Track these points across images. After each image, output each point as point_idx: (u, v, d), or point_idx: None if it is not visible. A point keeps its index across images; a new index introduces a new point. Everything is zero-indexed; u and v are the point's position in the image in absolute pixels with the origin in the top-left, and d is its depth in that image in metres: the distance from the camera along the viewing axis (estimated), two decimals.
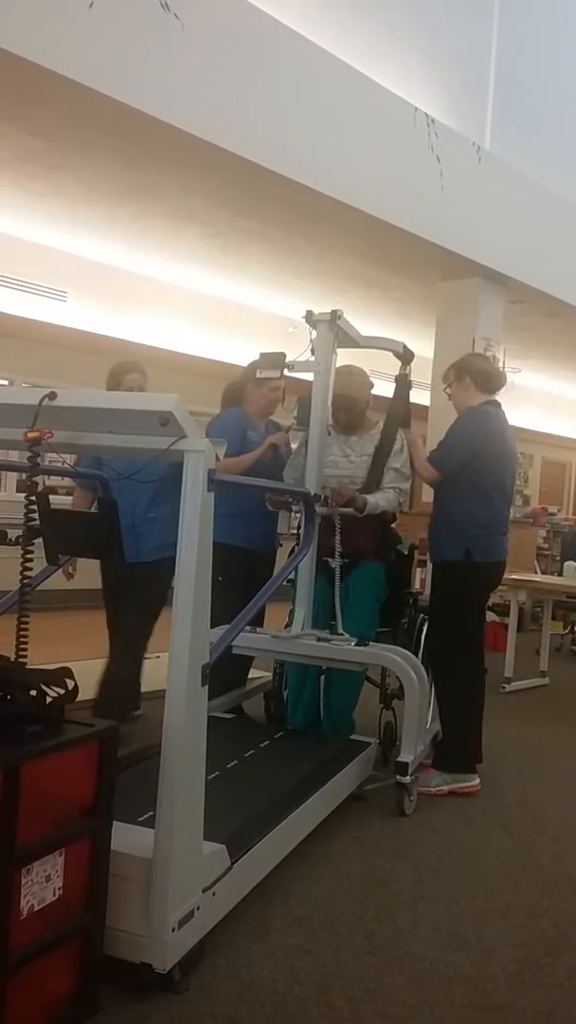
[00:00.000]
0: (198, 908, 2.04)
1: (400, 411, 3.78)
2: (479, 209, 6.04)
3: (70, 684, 1.90)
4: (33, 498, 2.07)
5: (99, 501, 2.48)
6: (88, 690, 3.75)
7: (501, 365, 5.24)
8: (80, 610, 7.08)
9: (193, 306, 8.11)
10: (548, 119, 6.88)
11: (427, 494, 4.05)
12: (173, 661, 1.98)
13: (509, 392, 3.87)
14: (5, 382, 7.82)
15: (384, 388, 3.94)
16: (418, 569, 4.02)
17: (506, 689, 5.60)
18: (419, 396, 3.97)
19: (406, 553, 3.88)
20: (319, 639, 3.35)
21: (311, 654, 3.35)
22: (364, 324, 3.95)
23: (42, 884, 1.74)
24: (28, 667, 1.92)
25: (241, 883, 2.30)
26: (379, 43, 5.38)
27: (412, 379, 3.87)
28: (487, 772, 3.66)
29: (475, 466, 3.50)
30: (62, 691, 1.89)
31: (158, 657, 5.13)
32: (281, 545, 4.04)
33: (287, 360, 3.45)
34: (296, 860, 2.67)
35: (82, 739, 1.85)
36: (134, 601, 3.77)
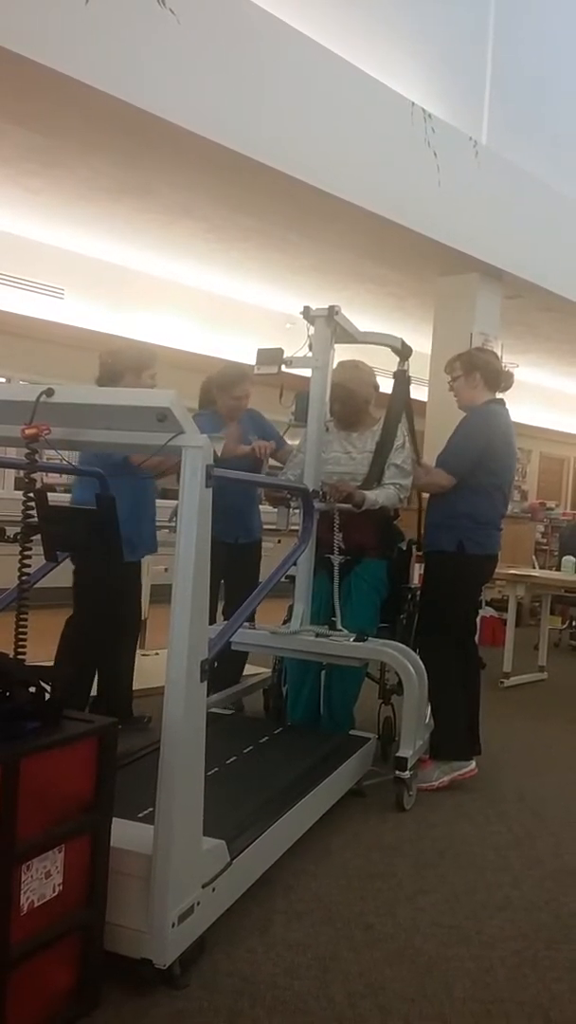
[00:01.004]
0: (198, 904, 2.04)
1: (399, 407, 3.77)
2: (476, 204, 6.04)
3: None
4: (31, 495, 2.07)
5: (97, 497, 2.47)
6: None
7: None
8: None
9: (190, 302, 8.10)
10: (545, 114, 6.88)
11: None
12: (172, 657, 1.98)
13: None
14: (3, 379, 7.81)
15: (383, 385, 3.93)
16: (416, 565, 4.02)
17: (505, 684, 5.60)
18: (417, 392, 3.97)
19: (404, 548, 3.88)
20: (318, 635, 3.35)
21: (310, 650, 3.35)
22: (361, 320, 3.94)
23: (42, 880, 1.74)
24: (27, 664, 1.93)
25: (241, 878, 2.30)
26: (376, 38, 5.38)
27: (410, 375, 3.87)
28: (486, 766, 3.67)
29: (479, 464, 3.51)
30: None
31: (157, 654, 5.16)
32: (279, 541, 4.07)
33: (284, 356, 3.45)
34: (296, 855, 2.67)
35: (81, 735, 1.86)
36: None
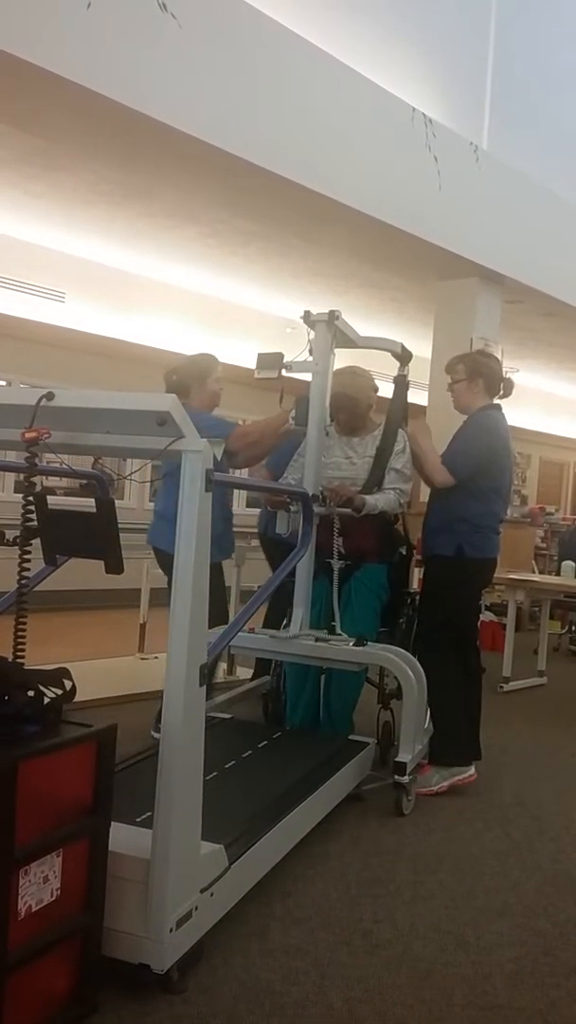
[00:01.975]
0: (196, 908, 2.04)
1: (399, 412, 3.77)
2: (477, 209, 6.05)
3: (68, 684, 1.90)
4: (31, 498, 2.07)
5: (97, 501, 2.47)
6: (85, 691, 3.75)
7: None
8: (78, 610, 7.09)
9: (191, 306, 8.11)
10: (546, 119, 6.89)
11: (424, 494, 4.04)
12: (171, 661, 1.98)
13: None
14: (3, 382, 7.83)
15: (383, 389, 3.94)
16: (416, 569, 4.02)
17: (504, 689, 5.60)
18: (417, 396, 3.97)
19: (404, 553, 3.88)
20: (317, 639, 3.35)
21: (309, 654, 3.35)
22: (362, 324, 3.95)
23: (40, 884, 1.74)
24: (26, 667, 1.92)
25: (239, 883, 2.30)
26: (377, 43, 5.39)
27: (410, 379, 3.87)
28: (486, 771, 3.66)
29: (480, 469, 3.51)
30: (60, 691, 1.89)
31: (156, 658, 5.16)
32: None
33: (285, 360, 3.45)
34: (294, 860, 2.67)
35: (80, 739, 1.85)
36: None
